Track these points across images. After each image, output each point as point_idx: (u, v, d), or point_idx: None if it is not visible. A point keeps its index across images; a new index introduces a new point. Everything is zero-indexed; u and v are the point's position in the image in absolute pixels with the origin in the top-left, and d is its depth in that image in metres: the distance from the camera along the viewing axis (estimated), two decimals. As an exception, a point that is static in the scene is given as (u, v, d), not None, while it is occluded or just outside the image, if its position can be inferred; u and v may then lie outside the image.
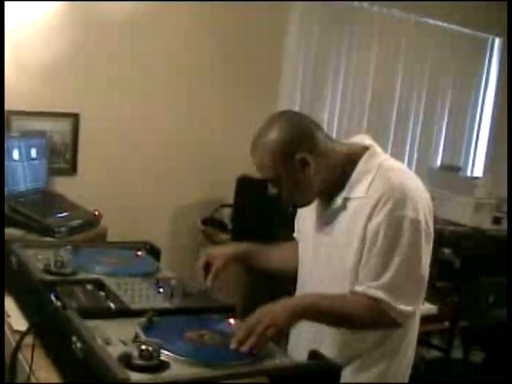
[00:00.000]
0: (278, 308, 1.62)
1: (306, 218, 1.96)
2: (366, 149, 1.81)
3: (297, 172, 1.75)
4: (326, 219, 1.83)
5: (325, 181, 1.79)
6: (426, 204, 1.75)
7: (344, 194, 1.77)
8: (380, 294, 1.67)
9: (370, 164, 1.77)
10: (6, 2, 3.06)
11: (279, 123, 1.78)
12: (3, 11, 3.07)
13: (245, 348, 1.50)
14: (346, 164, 1.79)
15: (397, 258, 1.67)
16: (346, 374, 1.78)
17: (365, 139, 1.86)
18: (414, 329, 1.90)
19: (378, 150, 1.84)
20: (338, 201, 1.78)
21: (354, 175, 1.77)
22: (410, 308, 1.70)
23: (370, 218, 1.70)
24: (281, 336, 1.60)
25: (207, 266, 1.97)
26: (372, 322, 1.72)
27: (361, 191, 1.75)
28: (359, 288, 1.71)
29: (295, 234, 2.11)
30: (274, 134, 1.75)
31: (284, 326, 1.60)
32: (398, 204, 1.67)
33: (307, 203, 1.87)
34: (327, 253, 1.82)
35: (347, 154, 1.80)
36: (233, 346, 1.51)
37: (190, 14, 3.94)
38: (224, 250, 2.07)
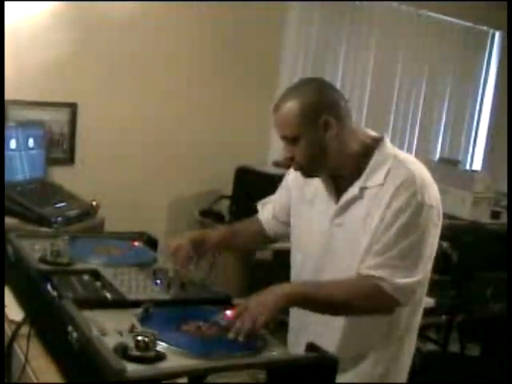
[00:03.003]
0: (267, 295, 1.61)
1: (303, 204, 1.94)
2: (377, 140, 1.82)
3: (318, 134, 1.74)
4: (338, 209, 1.82)
5: (339, 160, 1.78)
6: (438, 196, 1.77)
7: (360, 183, 1.77)
8: (377, 272, 1.67)
9: (386, 154, 1.78)
10: (5, 2, 3.04)
11: (312, 84, 1.81)
12: (3, 11, 3.05)
13: (241, 337, 1.49)
14: (361, 151, 1.79)
15: (406, 241, 1.68)
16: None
17: (369, 130, 1.87)
18: (418, 316, 1.89)
19: (389, 143, 1.85)
20: (354, 190, 1.78)
21: (371, 165, 1.77)
22: (409, 280, 1.68)
23: (389, 204, 1.71)
24: (274, 322, 1.58)
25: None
26: (370, 301, 1.70)
27: (378, 180, 1.75)
28: (361, 268, 1.71)
29: (268, 209, 2.13)
30: (304, 92, 1.76)
31: (274, 312, 1.58)
32: (418, 191, 1.70)
33: (316, 173, 1.84)
34: (343, 243, 1.81)
35: (362, 142, 1.81)
36: (230, 335, 1.50)
37: (189, 14, 3.93)
38: (200, 243, 2.02)
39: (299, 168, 1.82)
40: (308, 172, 1.83)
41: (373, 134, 1.86)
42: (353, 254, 1.77)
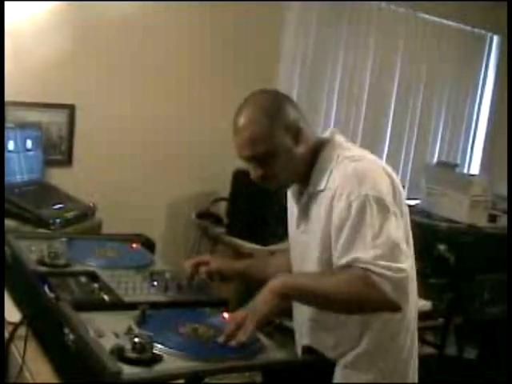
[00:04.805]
0: (259, 298, 1.58)
1: (290, 216, 1.93)
2: (325, 141, 1.77)
3: (291, 145, 1.69)
4: (300, 215, 1.80)
5: (300, 168, 1.74)
6: (389, 185, 1.66)
7: (309, 189, 1.74)
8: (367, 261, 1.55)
9: (330, 157, 1.73)
10: (5, 2, 3.04)
11: (270, 94, 1.75)
12: (3, 11, 3.05)
13: (234, 342, 1.49)
14: (312, 156, 1.74)
15: (368, 231, 1.57)
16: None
17: (333, 133, 1.82)
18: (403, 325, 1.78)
19: (340, 141, 1.78)
20: (305, 197, 1.75)
21: (316, 169, 1.73)
22: (403, 265, 1.55)
23: (331, 211, 1.64)
24: (270, 323, 1.58)
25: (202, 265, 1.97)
26: (362, 294, 1.55)
27: (321, 185, 1.70)
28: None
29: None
30: (267, 104, 1.68)
31: (269, 313, 1.55)
32: (354, 187, 1.61)
33: (289, 186, 1.82)
34: (303, 250, 1.80)
35: (314, 146, 1.76)
36: (221, 339, 1.50)
37: (189, 14, 3.92)
38: (225, 261, 2.08)
39: (276, 185, 1.77)
40: (284, 187, 1.82)
41: (330, 135, 1.79)
42: (306, 264, 1.76)
